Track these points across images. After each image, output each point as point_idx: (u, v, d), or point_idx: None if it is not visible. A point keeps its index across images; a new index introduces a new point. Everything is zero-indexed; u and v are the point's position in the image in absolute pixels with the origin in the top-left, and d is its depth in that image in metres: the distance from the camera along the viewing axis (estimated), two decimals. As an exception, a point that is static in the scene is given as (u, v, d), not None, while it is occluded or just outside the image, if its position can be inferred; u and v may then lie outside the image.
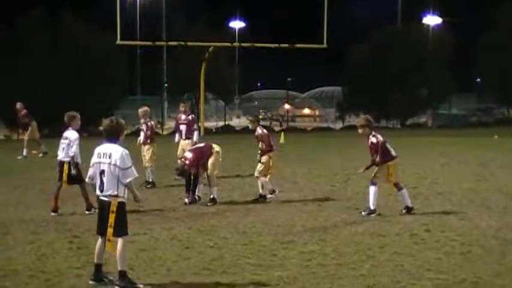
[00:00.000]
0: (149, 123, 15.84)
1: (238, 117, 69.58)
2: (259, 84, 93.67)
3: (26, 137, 23.59)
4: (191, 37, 38.18)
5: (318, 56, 49.32)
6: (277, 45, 39.00)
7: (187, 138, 16.35)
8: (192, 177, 12.69)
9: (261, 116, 70.12)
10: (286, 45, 38.72)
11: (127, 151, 7.42)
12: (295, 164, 20.37)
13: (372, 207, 11.27)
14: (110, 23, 34.94)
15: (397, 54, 47.42)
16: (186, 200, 12.70)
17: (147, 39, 43.84)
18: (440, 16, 58.47)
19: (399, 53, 47.50)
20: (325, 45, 35.71)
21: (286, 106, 60.39)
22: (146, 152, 15.52)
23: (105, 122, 7.60)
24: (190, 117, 16.79)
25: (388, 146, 11.52)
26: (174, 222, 10.92)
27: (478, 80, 62.11)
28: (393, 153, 11.54)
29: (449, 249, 8.89)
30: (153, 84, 53.24)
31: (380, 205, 11.45)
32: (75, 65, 38.46)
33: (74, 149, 11.44)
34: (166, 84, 51.64)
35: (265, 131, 13.55)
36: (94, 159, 7.45)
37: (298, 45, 38.77)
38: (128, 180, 7.28)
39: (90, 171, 7.52)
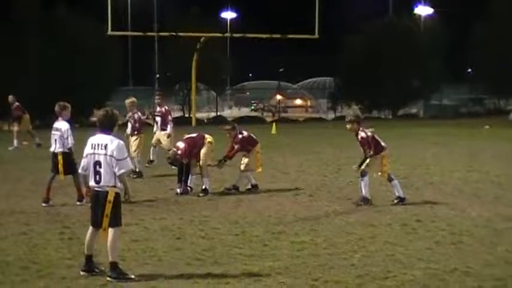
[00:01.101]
0: (136, 115, 15.76)
1: (230, 108, 69.53)
2: (250, 74, 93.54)
3: (15, 128, 23.49)
4: (183, 27, 38.04)
5: (310, 47, 49.22)
6: (269, 35, 38.96)
7: (162, 129, 16.62)
8: (184, 167, 12.68)
9: (252, 107, 70.57)
10: (278, 35, 38.68)
11: (123, 142, 7.42)
12: (286, 154, 20.40)
13: (367, 197, 11.30)
14: (102, 13, 34.81)
15: (389, 44, 47.40)
16: (178, 191, 12.70)
17: (138, 30, 43.72)
18: (431, 6, 58.53)
19: (391, 44, 47.48)
20: (316, 36, 35.68)
21: (278, 97, 60.33)
22: (133, 142, 15.50)
23: (100, 112, 7.57)
24: (163, 109, 16.97)
25: (377, 137, 11.53)
26: (165, 212, 10.92)
27: (469, 70, 62.21)
28: (383, 143, 11.57)
29: (440, 239, 8.93)
30: (144, 75, 53.08)
31: (371, 195, 11.48)
32: (67, 56, 38.26)
33: (70, 140, 11.43)
34: (158, 75, 51.49)
35: (245, 135, 13.15)
36: (88, 150, 7.41)
37: (290, 36, 38.74)
38: (121, 171, 7.27)
39: (84, 162, 7.49)
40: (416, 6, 58.56)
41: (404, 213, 10.70)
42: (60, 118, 11.67)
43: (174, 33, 38.70)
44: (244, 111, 64.48)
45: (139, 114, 15.98)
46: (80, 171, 7.75)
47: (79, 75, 38.70)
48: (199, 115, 46.21)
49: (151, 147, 16.79)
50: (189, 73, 39.75)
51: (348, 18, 57.32)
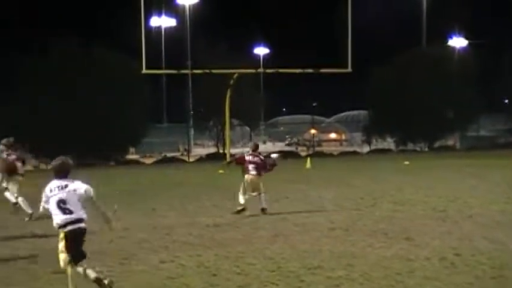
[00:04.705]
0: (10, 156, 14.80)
1: (264, 142, 69.70)
2: (284, 109, 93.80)
3: None
4: (215, 63, 38.43)
5: (343, 79, 49.24)
6: (301, 70, 39.08)
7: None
8: None
9: (287, 142, 70.62)
10: (311, 70, 38.78)
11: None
12: (321, 188, 20.28)
13: None
14: (135, 50, 35.37)
15: (422, 76, 47.20)
16: None
17: (172, 67, 44.27)
18: (466, 38, 58.27)
19: (424, 75, 47.27)
20: (349, 70, 35.68)
21: (312, 131, 60.30)
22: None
23: (56, 162, 7.91)
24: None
25: None
26: (200, 249, 10.89)
27: (506, 101, 61.50)
28: None
29: (480, 273, 8.73)
30: (178, 112, 53.62)
31: (408, 229, 11.32)
32: (100, 94, 38.89)
33: None
34: (191, 112, 51.99)
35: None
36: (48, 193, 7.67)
37: (322, 70, 38.81)
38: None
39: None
40: (451, 38, 58.35)
41: (443, 246, 10.51)
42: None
43: (207, 70, 39.09)
44: (279, 146, 64.54)
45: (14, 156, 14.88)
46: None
47: (113, 113, 39.25)
48: (234, 150, 46.36)
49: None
50: (223, 109, 40.03)
51: (380, 50, 57.32)
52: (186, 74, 47.53)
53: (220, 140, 47.56)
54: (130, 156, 46.24)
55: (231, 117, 41.68)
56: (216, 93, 41.25)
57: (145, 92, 41.87)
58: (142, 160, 44.34)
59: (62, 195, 7.55)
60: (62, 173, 7.78)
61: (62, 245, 7.52)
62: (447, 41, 58.01)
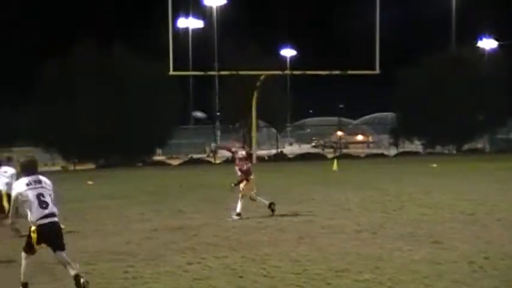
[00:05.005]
0: None
1: (290, 144, 69.54)
2: (311, 111, 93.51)
3: None
4: (242, 65, 38.46)
5: (371, 81, 48.97)
6: (328, 72, 38.96)
7: None
8: None
9: (313, 144, 70.39)
10: (338, 72, 38.63)
11: None
12: (348, 191, 20.19)
13: None
14: (160, 52, 35.56)
15: (451, 78, 46.72)
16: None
17: (199, 69, 44.43)
18: (496, 39, 57.60)
19: (453, 77, 46.79)
20: (377, 71, 35.50)
21: (339, 133, 60.08)
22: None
23: (24, 159, 8.35)
24: None
25: None
26: (227, 251, 10.91)
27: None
28: None
29: (510, 278, 8.61)
30: (205, 113, 53.77)
31: (436, 232, 11.21)
32: (127, 96, 39.12)
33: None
34: (218, 113, 52.11)
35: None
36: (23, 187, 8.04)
37: (350, 72, 38.63)
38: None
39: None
40: (481, 39, 57.71)
41: (471, 250, 10.39)
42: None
43: (234, 72, 39.14)
44: (305, 148, 64.39)
45: None
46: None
47: (139, 115, 39.44)
48: (260, 152, 46.37)
49: None
50: (249, 110, 40.05)
51: (409, 52, 56.92)
52: (213, 76, 47.71)
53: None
54: (157, 158, 46.49)
55: (257, 118, 41.73)
56: (243, 95, 41.30)
57: (173, 94, 42.02)
58: (168, 161, 44.57)
59: (40, 190, 8.02)
60: (35, 169, 8.30)
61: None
62: (477, 43, 57.39)
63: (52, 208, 7.97)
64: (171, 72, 35.21)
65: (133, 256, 10.59)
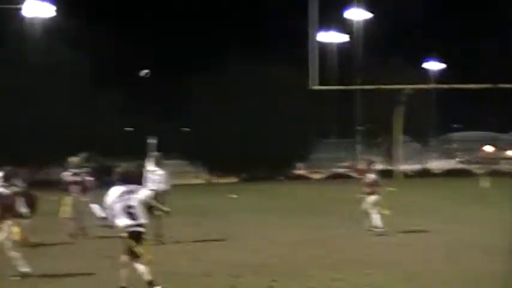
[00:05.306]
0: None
1: (436, 159, 67.33)
2: (455, 125, 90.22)
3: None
4: (385, 78, 37.73)
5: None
6: (478, 85, 37.31)
7: None
8: None
9: (459, 159, 67.74)
10: (489, 85, 36.87)
11: None
12: (499, 209, 19.04)
13: None
14: (302, 65, 35.56)
15: None
16: None
17: (341, 83, 44.09)
18: None
19: None
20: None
21: (489, 148, 57.36)
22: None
23: (122, 170, 8.81)
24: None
25: None
26: (371, 267, 10.60)
27: None
28: None
29: None
30: (346, 128, 53.31)
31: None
32: (273, 109, 39.57)
33: None
34: (360, 127, 51.48)
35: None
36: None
37: (501, 86, 36.74)
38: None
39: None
40: None
41: None
42: None
43: (377, 86, 38.52)
44: (451, 164, 62.09)
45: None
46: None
47: (283, 129, 39.76)
48: (403, 167, 45.26)
49: None
50: (392, 124, 39.21)
51: None
52: (355, 90, 47.16)
53: (389, 157, 46.62)
54: (298, 171, 46.68)
55: (400, 133, 40.79)
56: (385, 109, 40.54)
57: (314, 108, 42.01)
58: (310, 175, 44.64)
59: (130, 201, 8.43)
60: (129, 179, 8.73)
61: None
62: None
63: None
64: (314, 87, 35.14)
65: (277, 270, 10.52)
